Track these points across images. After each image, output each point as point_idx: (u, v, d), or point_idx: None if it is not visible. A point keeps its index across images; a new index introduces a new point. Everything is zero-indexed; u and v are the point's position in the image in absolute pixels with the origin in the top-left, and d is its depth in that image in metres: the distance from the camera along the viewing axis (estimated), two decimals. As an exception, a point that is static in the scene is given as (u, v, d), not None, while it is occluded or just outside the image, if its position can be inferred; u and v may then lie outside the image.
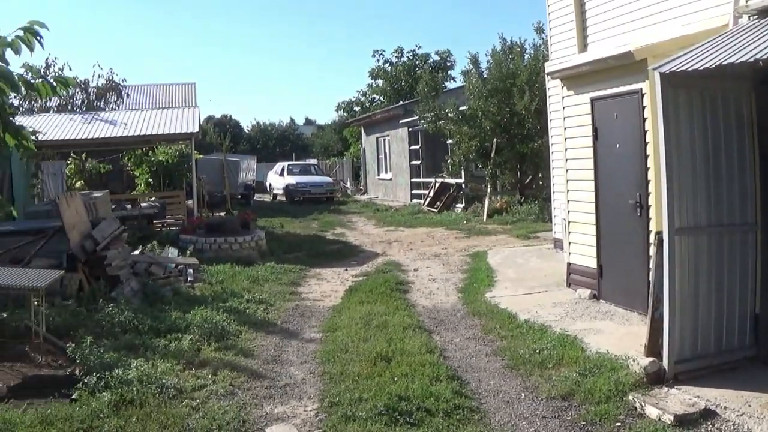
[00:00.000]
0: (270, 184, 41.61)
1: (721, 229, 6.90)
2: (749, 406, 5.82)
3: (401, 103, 38.47)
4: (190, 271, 13.00)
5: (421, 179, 31.04)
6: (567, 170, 10.67)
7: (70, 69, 36.82)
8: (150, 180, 26.66)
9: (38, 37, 4.59)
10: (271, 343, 8.88)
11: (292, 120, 78.09)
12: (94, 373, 6.92)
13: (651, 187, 8.46)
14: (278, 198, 39.18)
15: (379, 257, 16.38)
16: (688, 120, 6.73)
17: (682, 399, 6.07)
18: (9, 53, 4.55)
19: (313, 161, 50.61)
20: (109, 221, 12.14)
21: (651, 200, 8.48)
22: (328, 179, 39.42)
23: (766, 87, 6.96)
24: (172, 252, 14.79)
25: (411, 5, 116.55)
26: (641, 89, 8.59)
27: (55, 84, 4.82)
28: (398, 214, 26.58)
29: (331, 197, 36.44)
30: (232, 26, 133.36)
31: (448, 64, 52.84)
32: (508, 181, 24.92)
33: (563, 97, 10.52)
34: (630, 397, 6.20)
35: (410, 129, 31.75)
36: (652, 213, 8.45)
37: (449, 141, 25.94)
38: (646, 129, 8.54)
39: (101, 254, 11.00)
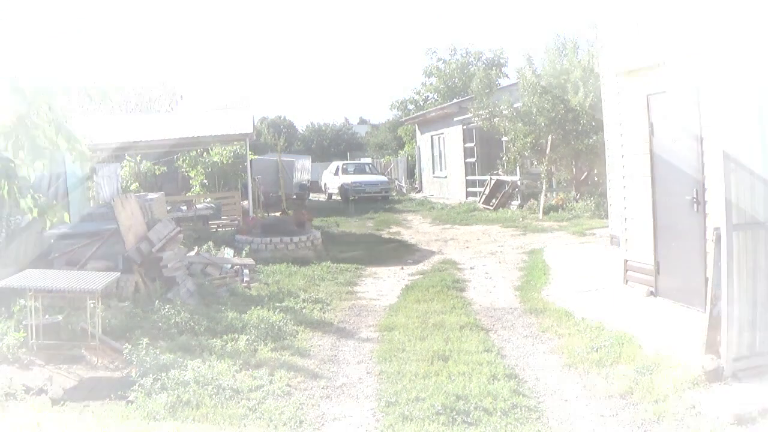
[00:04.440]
0: (325, 184, 41.80)
1: (780, 225, 6.79)
2: (810, 404, 5.73)
3: (455, 100, 38.27)
4: (246, 271, 13.13)
5: (477, 177, 30.90)
6: (623, 166, 10.59)
7: (124, 72, 37.49)
8: (205, 181, 26.67)
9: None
10: (327, 342, 8.96)
11: (346, 119, 78.32)
12: (150, 375, 7.02)
13: (707, 183, 8.36)
14: (333, 197, 39.34)
15: (434, 255, 16.41)
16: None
17: (740, 397, 6.00)
18: None
19: (368, 160, 50.59)
20: (164, 223, 12.28)
21: (707, 196, 8.38)
22: (383, 178, 39.40)
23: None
24: (228, 252, 14.94)
25: (463, 2, 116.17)
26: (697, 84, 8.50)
27: (108, 89, 4.71)
28: (453, 212, 26.51)
29: (387, 196, 36.38)
30: (285, 27, 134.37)
31: (501, 61, 52.44)
32: (564, 177, 24.72)
33: (618, 93, 10.45)
34: (688, 395, 6.15)
35: (465, 126, 31.65)
36: (709, 209, 8.36)
37: (504, 138, 25.84)
38: (702, 124, 8.45)
39: (157, 256, 11.15)
